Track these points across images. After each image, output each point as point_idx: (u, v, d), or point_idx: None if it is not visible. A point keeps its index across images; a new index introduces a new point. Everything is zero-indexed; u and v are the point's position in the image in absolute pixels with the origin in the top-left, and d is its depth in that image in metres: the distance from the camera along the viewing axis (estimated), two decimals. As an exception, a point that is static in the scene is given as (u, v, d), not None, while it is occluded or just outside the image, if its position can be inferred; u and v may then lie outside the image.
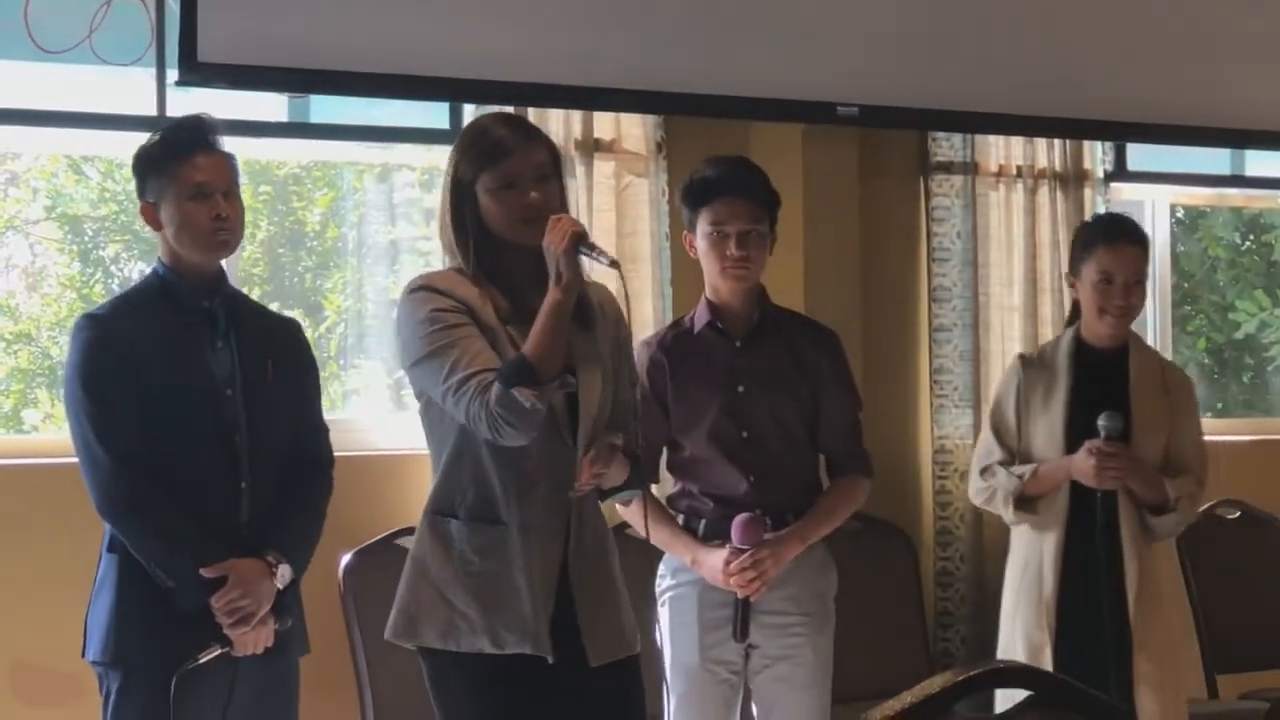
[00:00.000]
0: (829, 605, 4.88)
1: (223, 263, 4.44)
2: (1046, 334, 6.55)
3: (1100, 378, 5.13)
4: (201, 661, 4.12)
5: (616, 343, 4.08)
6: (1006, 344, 6.52)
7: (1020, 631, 5.10)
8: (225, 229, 4.29)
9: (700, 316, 4.88)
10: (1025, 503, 5.08)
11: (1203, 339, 8.15)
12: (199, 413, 4.26)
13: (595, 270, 4.01)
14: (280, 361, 4.41)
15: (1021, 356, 5.30)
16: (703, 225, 4.78)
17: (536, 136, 3.99)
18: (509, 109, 5.72)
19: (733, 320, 4.86)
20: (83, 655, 4.31)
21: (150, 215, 4.33)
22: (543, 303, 3.79)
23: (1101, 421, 4.96)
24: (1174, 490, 5.05)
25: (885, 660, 5.97)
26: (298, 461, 4.42)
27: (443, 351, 3.80)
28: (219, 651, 4.16)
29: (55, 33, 5.30)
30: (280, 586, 4.27)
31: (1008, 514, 5.11)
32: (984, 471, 5.16)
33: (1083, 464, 4.97)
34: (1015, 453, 5.15)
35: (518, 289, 3.91)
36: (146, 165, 4.34)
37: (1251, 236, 8.50)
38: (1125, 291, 5.08)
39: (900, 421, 6.53)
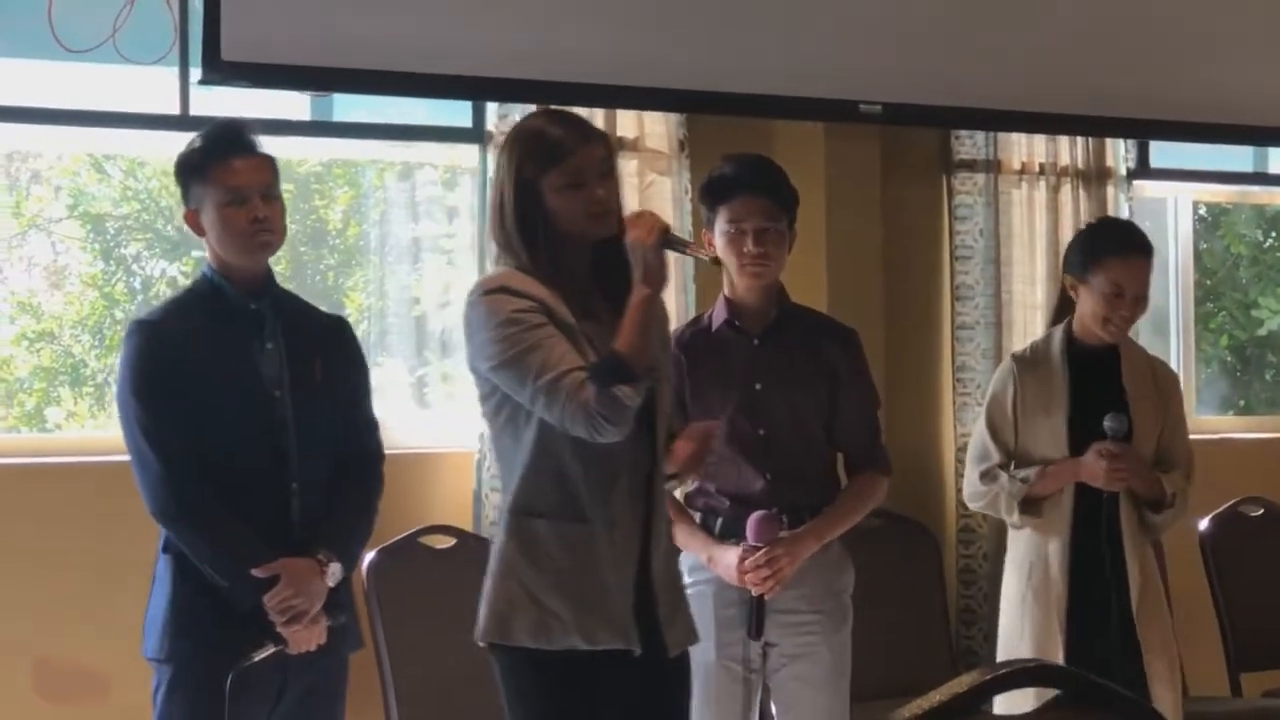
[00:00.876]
0: (845, 603, 4.86)
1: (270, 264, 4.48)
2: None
3: (1094, 376, 5.11)
4: (256, 660, 4.14)
5: (663, 339, 4.11)
6: (1029, 341, 6.50)
7: (1029, 636, 5.07)
8: (264, 231, 4.31)
9: (718, 314, 4.86)
10: (1028, 505, 5.06)
11: (1225, 336, 8.12)
12: (248, 414, 4.29)
13: None
14: (329, 360, 4.43)
15: (1015, 356, 5.26)
16: (720, 223, 4.76)
17: (594, 133, 4.02)
18: (532, 107, 5.74)
19: (750, 318, 4.84)
20: (142, 653, 4.34)
21: (193, 221, 4.37)
22: (629, 299, 3.83)
23: (1108, 423, 4.94)
24: (1170, 486, 5.05)
25: (908, 658, 5.96)
26: (349, 459, 4.44)
27: (528, 353, 3.80)
28: (273, 650, 4.18)
29: (79, 32, 5.31)
30: (331, 584, 4.29)
31: (1013, 518, 5.07)
32: (984, 475, 5.11)
33: (1093, 466, 4.96)
34: (1011, 453, 5.12)
35: (578, 287, 3.94)
36: (186, 172, 4.37)
37: (1274, 234, 8.47)
38: (1134, 304, 5.07)
39: (923, 419, 6.53)
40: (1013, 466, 5.08)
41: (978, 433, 5.23)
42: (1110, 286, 5.03)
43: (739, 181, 4.78)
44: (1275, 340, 8.14)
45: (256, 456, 4.28)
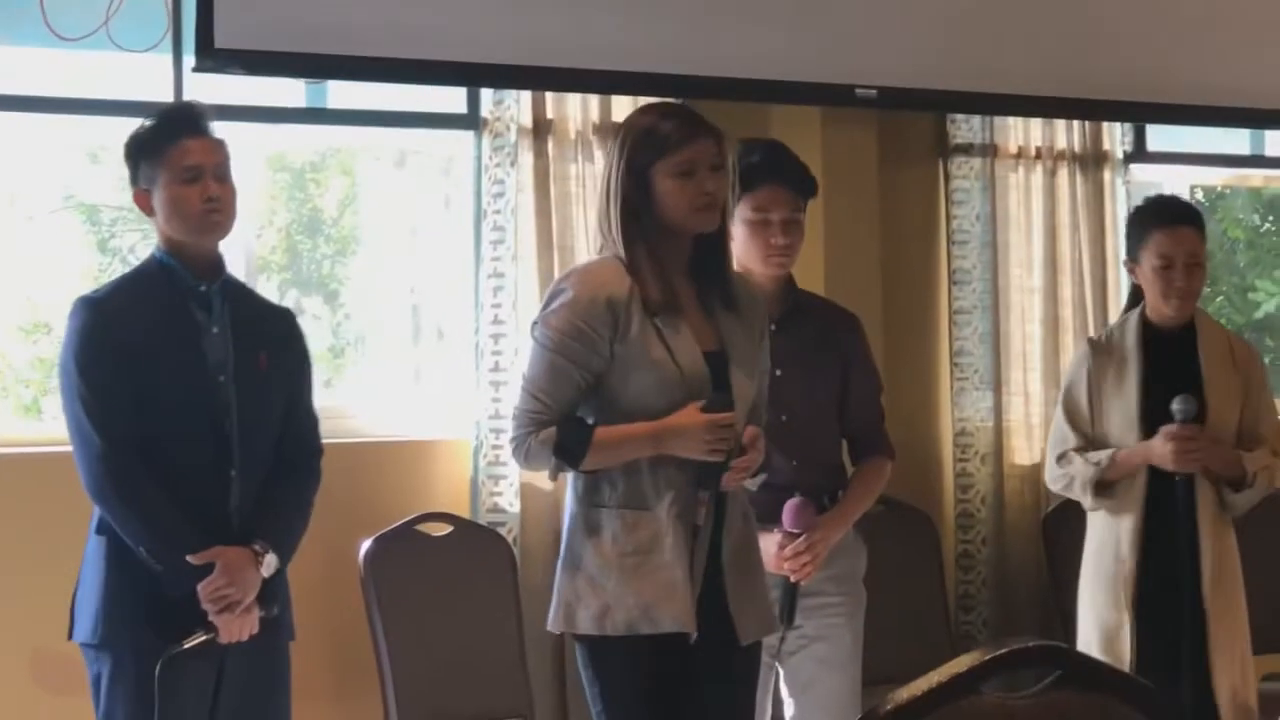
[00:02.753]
0: (862, 586, 4.90)
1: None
2: (1066, 316, 6.54)
3: (1170, 358, 5.12)
4: (186, 647, 4.12)
5: (760, 332, 4.23)
6: (1027, 326, 6.51)
7: (1094, 613, 5.11)
8: (216, 210, 4.27)
9: (736, 301, 4.85)
10: (1103, 487, 5.08)
11: (1223, 320, 8.11)
12: (191, 397, 4.25)
13: None
14: (274, 350, 4.39)
15: (1090, 341, 5.27)
16: (744, 210, 4.69)
17: (707, 127, 4.07)
18: (527, 93, 5.73)
19: (768, 305, 4.82)
20: (69, 637, 4.32)
21: (143, 202, 4.33)
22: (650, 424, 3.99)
23: (1175, 405, 4.96)
24: (1251, 465, 5.06)
25: (907, 643, 5.94)
26: (288, 451, 4.41)
27: (541, 376, 4.01)
28: (204, 638, 4.16)
29: (71, 20, 5.30)
30: (266, 575, 4.27)
31: (1087, 500, 5.11)
32: (1060, 459, 5.14)
33: (1161, 450, 4.97)
34: (1090, 438, 5.13)
35: (669, 276, 4.03)
36: (137, 151, 4.33)
37: (1271, 217, 8.47)
38: (1186, 274, 5.07)
39: (921, 404, 6.52)
40: (1090, 449, 5.11)
41: (1056, 418, 5.26)
42: (1159, 260, 5.05)
43: (766, 170, 4.74)
44: (1273, 323, 8.14)
45: (198, 441, 4.24)
